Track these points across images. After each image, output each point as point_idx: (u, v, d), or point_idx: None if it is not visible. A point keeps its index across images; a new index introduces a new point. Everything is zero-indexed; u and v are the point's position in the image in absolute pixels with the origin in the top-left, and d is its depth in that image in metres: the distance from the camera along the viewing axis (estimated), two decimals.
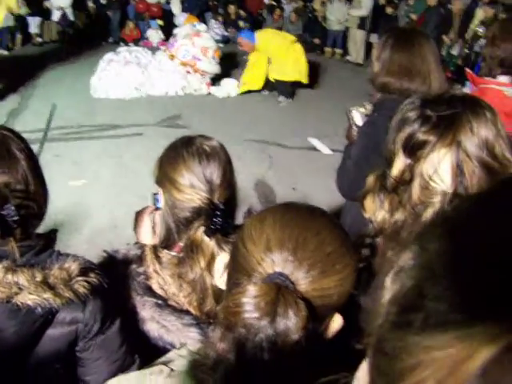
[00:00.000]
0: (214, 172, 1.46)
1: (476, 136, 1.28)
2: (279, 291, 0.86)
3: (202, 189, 1.44)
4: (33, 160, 1.42)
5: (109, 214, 5.15)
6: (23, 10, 13.26)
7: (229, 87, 9.80)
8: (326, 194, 4.86)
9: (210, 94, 9.77)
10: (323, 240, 0.95)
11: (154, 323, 1.47)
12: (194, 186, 1.45)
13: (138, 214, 1.67)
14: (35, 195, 1.39)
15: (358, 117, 2.63)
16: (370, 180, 1.47)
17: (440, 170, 1.30)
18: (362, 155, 2.44)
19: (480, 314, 0.38)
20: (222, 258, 1.11)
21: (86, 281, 1.35)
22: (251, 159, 6.69)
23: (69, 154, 6.64)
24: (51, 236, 1.46)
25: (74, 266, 1.36)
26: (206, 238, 1.41)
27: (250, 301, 0.86)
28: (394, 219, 1.36)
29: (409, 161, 1.34)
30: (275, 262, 0.91)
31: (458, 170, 1.27)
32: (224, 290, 1.09)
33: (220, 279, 1.12)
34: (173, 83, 9.61)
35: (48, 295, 1.28)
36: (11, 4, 8.36)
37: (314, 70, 12.27)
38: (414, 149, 1.33)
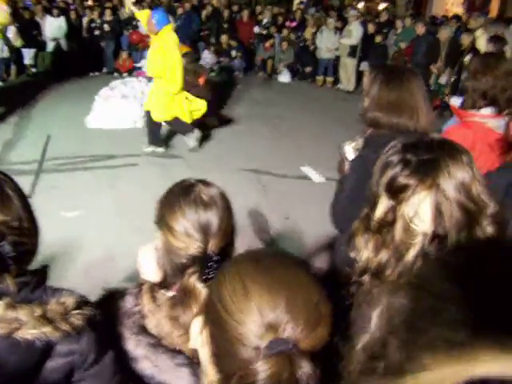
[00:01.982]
0: (210, 221, 1.48)
1: (454, 179, 1.35)
2: (290, 359, 0.89)
3: (196, 238, 1.47)
4: (24, 199, 1.50)
5: (104, 245, 5.16)
6: (18, 43, 13.44)
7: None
8: (319, 223, 4.89)
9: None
10: (308, 291, 0.99)
11: (148, 362, 1.50)
12: (189, 234, 1.47)
13: (142, 250, 1.70)
14: (29, 232, 1.45)
15: (349, 151, 2.70)
16: (356, 222, 1.54)
17: (420, 212, 1.36)
18: (354, 189, 2.49)
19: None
20: (198, 320, 1.12)
21: (82, 314, 1.40)
22: (244, 188, 6.73)
23: (64, 185, 6.67)
24: (44, 271, 1.51)
25: (70, 300, 1.40)
26: (199, 286, 1.44)
27: (267, 379, 0.89)
28: (378, 258, 1.43)
29: (391, 203, 1.41)
30: (273, 327, 0.93)
31: (437, 212, 1.34)
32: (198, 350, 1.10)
33: (196, 340, 1.12)
34: None
35: (47, 329, 1.32)
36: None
37: (306, 98, 12.45)
38: (396, 192, 1.39)
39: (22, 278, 1.40)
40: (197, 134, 8.16)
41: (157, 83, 7.79)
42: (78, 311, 1.39)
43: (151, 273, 1.60)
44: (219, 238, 1.49)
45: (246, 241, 5.79)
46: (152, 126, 8.04)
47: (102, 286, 4.40)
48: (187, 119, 8.06)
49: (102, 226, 5.58)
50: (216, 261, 1.44)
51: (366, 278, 1.48)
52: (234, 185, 6.80)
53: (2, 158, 7.65)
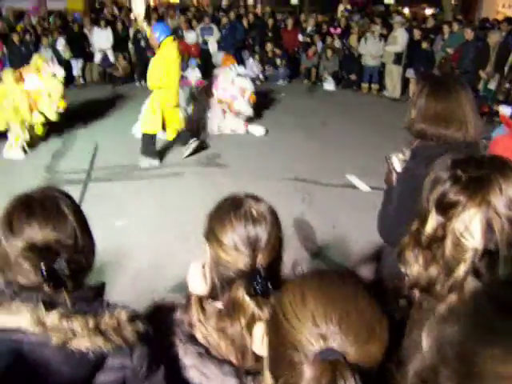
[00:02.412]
0: (259, 236, 1.50)
1: (504, 196, 1.34)
2: (335, 368, 0.93)
3: (245, 252, 1.49)
4: (80, 215, 1.54)
5: (151, 253, 5.25)
6: (67, 54, 13.90)
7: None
8: (365, 233, 4.86)
9: (247, 132, 9.94)
10: (362, 308, 1.02)
11: (196, 371, 1.52)
12: (238, 248, 1.49)
13: (192, 265, 1.73)
14: (83, 249, 1.49)
15: (396, 163, 2.69)
16: (406, 237, 1.54)
17: (471, 228, 1.35)
18: (402, 201, 2.47)
19: None
20: (261, 326, 1.18)
21: (134, 328, 1.44)
22: (289, 197, 6.75)
23: (111, 194, 6.83)
24: (101, 287, 1.55)
25: (123, 314, 1.44)
26: (247, 299, 1.46)
27: (309, 381, 0.94)
28: (428, 273, 1.43)
29: (441, 219, 1.41)
30: (323, 337, 0.98)
31: (488, 228, 1.33)
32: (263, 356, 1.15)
33: (259, 346, 1.18)
34: (211, 122, 9.85)
35: (100, 341, 1.36)
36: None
37: (351, 106, 12.38)
38: (446, 208, 1.40)
39: (78, 291, 1.44)
40: (155, 162, 8.07)
41: (153, 95, 7.84)
42: (130, 325, 1.43)
43: (199, 288, 1.63)
44: (267, 253, 1.50)
45: (292, 251, 5.77)
46: (145, 139, 7.99)
47: (149, 294, 4.48)
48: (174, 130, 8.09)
49: (148, 235, 5.68)
50: (263, 276, 1.44)
51: (416, 292, 1.48)
52: (278, 194, 6.82)
53: (52, 168, 7.91)
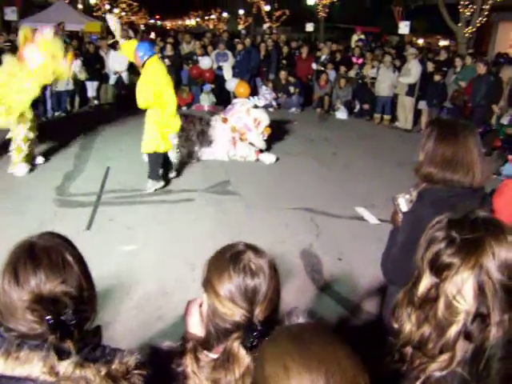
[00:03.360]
0: (256, 290, 1.50)
1: (497, 260, 1.36)
2: None
3: (242, 306, 1.49)
4: (83, 264, 1.56)
5: (158, 279, 5.27)
6: (83, 76, 14.13)
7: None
8: (372, 265, 4.87)
9: (258, 160, 10.01)
10: (345, 365, 1.06)
11: None
12: (234, 301, 1.50)
13: (189, 304, 1.74)
14: (88, 299, 1.52)
15: (403, 203, 2.71)
16: (400, 294, 1.57)
17: (463, 291, 1.38)
18: (406, 244, 2.48)
19: None
20: None
21: (141, 374, 1.47)
22: (298, 227, 6.77)
23: (121, 219, 6.87)
24: (98, 331, 1.56)
25: (131, 361, 1.47)
26: (242, 352, 1.47)
27: None
28: (421, 332, 1.45)
29: (435, 279, 1.43)
30: None
31: (480, 291, 1.36)
32: None
33: None
34: (222, 148, 9.94)
35: None
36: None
37: (362, 136, 12.42)
38: (439, 269, 1.42)
39: (81, 339, 1.45)
40: (160, 184, 8.11)
41: (147, 115, 7.85)
42: (138, 371, 1.46)
43: (196, 327, 1.64)
44: (265, 307, 1.51)
45: (298, 282, 5.79)
46: (151, 160, 8.01)
47: (154, 321, 4.47)
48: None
49: (156, 261, 5.70)
50: (260, 330, 1.45)
51: (408, 349, 1.50)
52: (287, 223, 6.85)
53: (63, 190, 7.97)
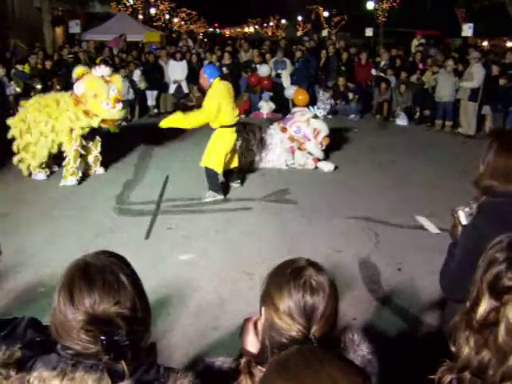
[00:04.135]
0: (315, 307, 1.50)
1: None
2: None
3: (299, 321, 1.49)
4: (138, 284, 1.54)
5: (215, 289, 5.29)
6: (143, 85, 14.51)
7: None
8: (432, 276, 4.74)
9: (316, 168, 9.95)
10: None
11: None
12: (293, 317, 1.50)
13: (246, 322, 1.74)
14: (142, 320, 1.50)
15: (463, 216, 2.62)
16: (457, 316, 1.50)
17: None
18: (465, 258, 2.41)
19: None
20: None
21: None
22: (356, 237, 6.67)
23: (179, 227, 6.96)
24: (152, 349, 1.55)
25: (186, 382, 1.48)
26: None
27: None
28: (480, 357, 1.37)
29: (495, 303, 1.36)
30: None
31: None
32: None
33: None
34: (280, 157, 9.93)
35: None
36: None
37: (423, 143, 12.14)
38: (500, 292, 1.35)
39: (135, 360, 1.45)
40: (219, 197, 8.20)
41: (217, 133, 8.15)
42: None
43: (252, 345, 1.64)
44: (322, 324, 1.50)
45: (355, 292, 5.70)
46: (208, 173, 8.15)
47: (211, 331, 4.49)
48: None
49: (213, 270, 5.73)
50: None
51: (466, 374, 1.42)
52: (345, 233, 6.77)
53: (123, 199, 8.16)
